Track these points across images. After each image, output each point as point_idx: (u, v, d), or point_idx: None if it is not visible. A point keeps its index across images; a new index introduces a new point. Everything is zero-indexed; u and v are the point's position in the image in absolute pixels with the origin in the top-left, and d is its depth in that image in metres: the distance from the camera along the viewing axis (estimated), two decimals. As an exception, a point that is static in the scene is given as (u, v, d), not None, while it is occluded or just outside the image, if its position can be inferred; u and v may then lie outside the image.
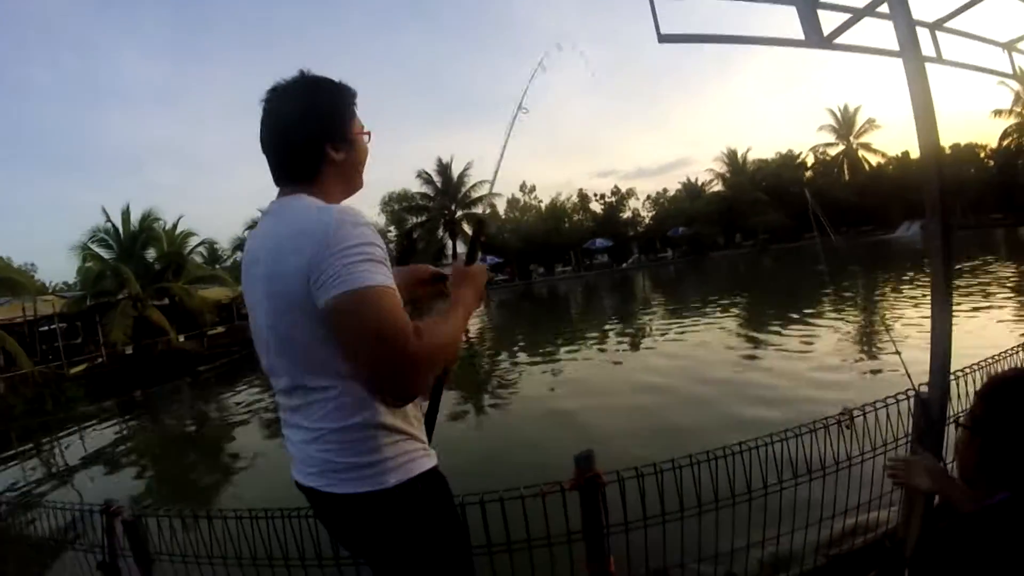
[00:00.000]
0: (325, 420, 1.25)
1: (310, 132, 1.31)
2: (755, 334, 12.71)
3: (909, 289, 16.26)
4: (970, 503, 1.47)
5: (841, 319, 13.06)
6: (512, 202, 62.76)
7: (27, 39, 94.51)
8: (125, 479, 8.61)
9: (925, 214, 1.96)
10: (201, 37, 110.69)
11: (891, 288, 17.39)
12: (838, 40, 2.15)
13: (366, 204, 54.39)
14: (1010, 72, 2.68)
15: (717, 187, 58.50)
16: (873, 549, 2.72)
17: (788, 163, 57.20)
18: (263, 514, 2.44)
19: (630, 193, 60.18)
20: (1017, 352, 3.06)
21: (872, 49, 2.19)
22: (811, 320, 13.15)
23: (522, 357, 14.55)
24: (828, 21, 2.15)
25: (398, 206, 53.29)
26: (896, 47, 1.95)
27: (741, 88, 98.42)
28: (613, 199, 59.24)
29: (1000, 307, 11.77)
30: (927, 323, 2.04)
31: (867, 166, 55.83)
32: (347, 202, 1.44)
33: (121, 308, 21.87)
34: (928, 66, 1.96)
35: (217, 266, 39.52)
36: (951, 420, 2.07)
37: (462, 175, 49.84)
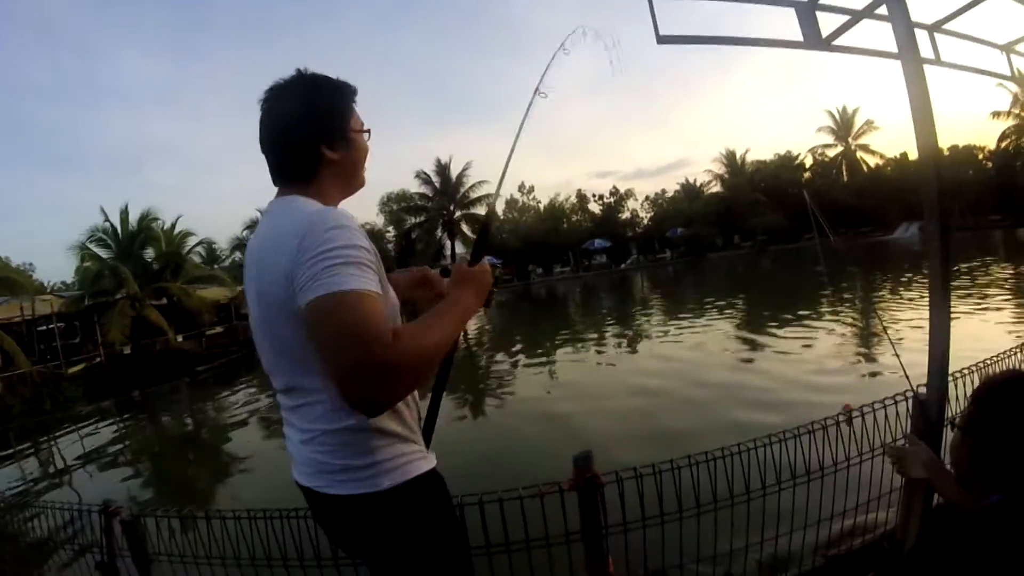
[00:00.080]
0: (318, 422, 1.25)
1: (305, 133, 1.30)
2: (753, 336, 12.70)
3: (907, 290, 16.28)
4: (964, 500, 1.47)
5: (839, 321, 13.06)
6: (511, 202, 62.86)
7: (26, 38, 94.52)
8: (123, 479, 8.59)
9: (923, 215, 1.97)
10: (200, 36, 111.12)
11: (889, 289, 17.40)
12: (837, 42, 2.16)
13: (364, 204, 54.53)
14: (1008, 74, 2.68)
15: (716, 188, 58.58)
16: (871, 550, 2.72)
17: (787, 164, 57.23)
18: (262, 514, 2.44)
19: (629, 194, 60.33)
20: (1015, 354, 3.06)
21: (871, 51, 2.19)
22: (809, 322, 13.15)
23: (520, 358, 14.53)
24: (827, 23, 2.16)
25: (396, 206, 53.18)
26: (895, 49, 1.95)
27: (740, 88, 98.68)
28: (612, 200, 59.32)
29: (999, 308, 11.78)
30: (925, 324, 2.05)
31: (866, 167, 55.88)
32: (349, 200, 1.44)
33: (119, 308, 21.83)
34: (927, 68, 1.97)
35: (216, 266, 39.40)
36: (949, 421, 2.08)
37: (461, 175, 49.74)
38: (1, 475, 10.12)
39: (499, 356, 15.58)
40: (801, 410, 6.07)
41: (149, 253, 25.52)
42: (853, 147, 56.30)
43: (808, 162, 58.66)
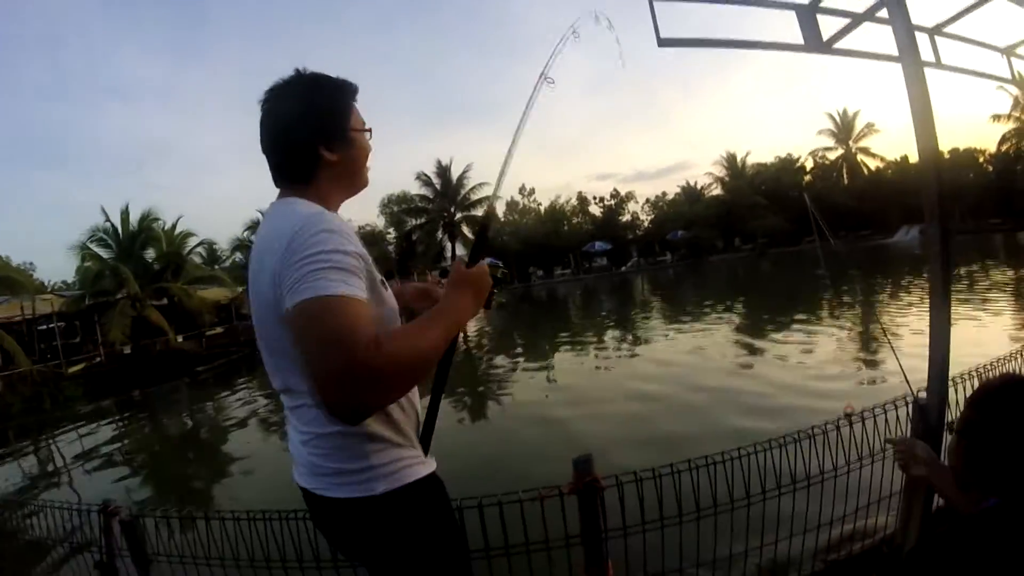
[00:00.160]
0: (312, 424, 1.25)
1: (303, 134, 1.29)
2: (753, 340, 12.68)
3: (907, 294, 16.27)
4: (962, 502, 1.47)
5: (839, 325, 13.05)
6: (511, 204, 62.86)
7: (26, 36, 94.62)
8: (122, 478, 8.59)
9: (924, 219, 1.97)
10: (200, 34, 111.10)
11: (890, 293, 17.40)
12: (838, 45, 2.15)
13: (365, 206, 54.52)
14: (1009, 77, 2.68)
15: (716, 191, 58.52)
16: (871, 555, 2.72)
17: (787, 167, 57.22)
18: (261, 516, 2.44)
19: (629, 196, 60.33)
20: (1016, 358, 3.06)
21: (872, 54, 2.19)
22: (810, 326, 13.14)
23: (519, 361, 14.53)
24: (828, 25, 2.15)
25: (397, 208, 53.19)
26: (895, 52, 1.95)
27: (740, 90, 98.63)
28: (612, 202, 59.34)
29: (1000, 313, 11.77)
30: (926, 329, 2.04)
31: (866, 170, 55.87)
32: (349, 201, 1.43)
33: (120, 308, 21.85)
34: (927, 71, 1.97)
35: (216, 267, 39.37)
36: (949, 426, 2.08)
37: (462, 177, 49.76)
38: (0, 473, 10.12)
39: (499, 359, 15.58)
40: (801, 416, 6.00)
41: (150, 253, 25.58)
42: (854, 150, 56.31)
43: (809, 165, 58.75)
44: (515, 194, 63.31)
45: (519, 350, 16.61)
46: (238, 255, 41.59)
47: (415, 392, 1.38)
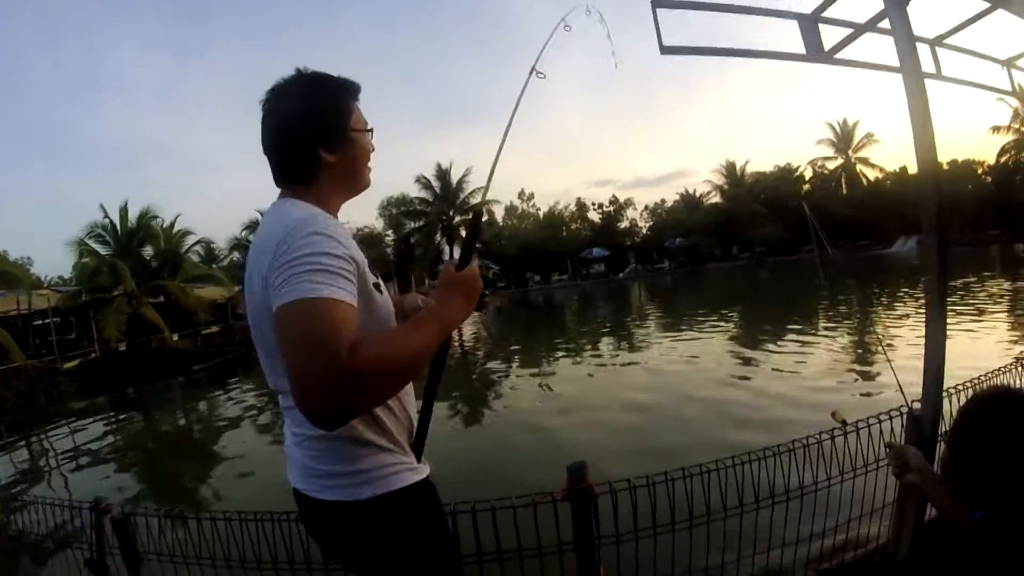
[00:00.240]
0: (304, 426, 1.24)
1: (303, 134, 1.28)
2: (748, 351, 12.64)
3: (903, 305, 16.29)
4: (954, 511, 1.48)
5: (835, 335, 13.05)
6: (510, 209, 62.94)
7: (26, 35, 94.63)
8: (113, 476, 8.54)
9: (922, 229, 1.97)
10: (200, 33, 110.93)
11: (886, 303, 17.42)
12: (839, 54, 2.16)
13: (364, 208, 54.49)
14: (1009, 89, 2.70)
15: (715, 199, 58.72)
16: (863, 565, 2.71)
17: (786, 176, 57.38)
18: (252, 517, 2.43)
19: (628, 203, 60.55)
20: (1010, 370, 3.06)
21: (872, 64, 2.20)
22: (805, 336, 13.13)
23: (514, 367, 14.50)
24: (829, 35, 2.16)
25: (396, 211, 53.21)
26: (896, 62, 1.95)
27: (740, 96, 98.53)
28: (611, 209, 59.54)
29: (995, 324, 11.78)
30: (921, 340, 2.04)
31: (865, 180, 55.99)
32: (349, 203, 1.42)
33: (116, 304, 21.81)
34: (927, 82, 1.97)
35: (214, 265, 39.31)
36: (942, 437, 2.07)
37: (461, 181, 49.73)
38: (-8, 469, 10.08)
39: (493, 364, 15.56)
40: (795, 429, 5.98)
41: (147, 251, 25.55)
42: (853, 160, 56.44)
43: (808, 174, 58.86)
44: (514, 198, 63.49)
45: (515, 356, 16.58)
46: (236, 254, 41.46)
47: (409, 397, 1.36)
